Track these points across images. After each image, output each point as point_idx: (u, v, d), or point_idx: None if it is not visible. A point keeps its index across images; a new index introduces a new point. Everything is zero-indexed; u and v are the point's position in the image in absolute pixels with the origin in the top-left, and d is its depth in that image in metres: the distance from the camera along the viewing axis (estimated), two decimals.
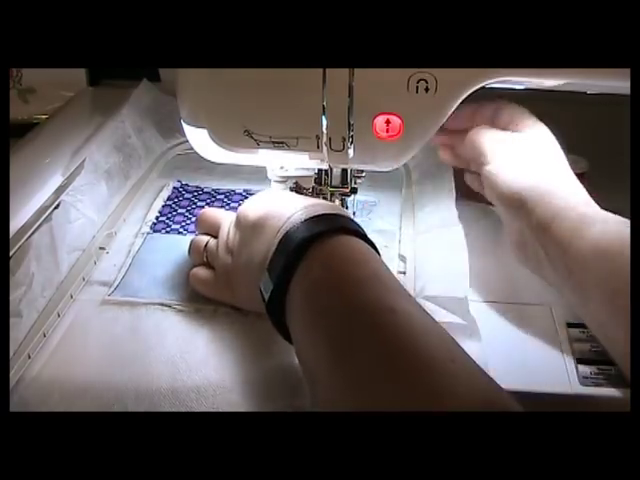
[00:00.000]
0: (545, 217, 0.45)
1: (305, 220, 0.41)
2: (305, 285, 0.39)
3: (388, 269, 0.39)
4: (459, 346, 0.34)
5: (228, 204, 0.62)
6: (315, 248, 0.39)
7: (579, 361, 0.45)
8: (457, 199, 0.56)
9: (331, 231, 0.40)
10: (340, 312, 0.36)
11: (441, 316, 0.46)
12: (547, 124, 0.52)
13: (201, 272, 0.50)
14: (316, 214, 0.42)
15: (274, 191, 0.49)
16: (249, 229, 0.45)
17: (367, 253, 0.40)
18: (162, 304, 0.50)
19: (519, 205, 0.47)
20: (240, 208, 0.47)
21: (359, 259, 0.39)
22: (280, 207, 0.44)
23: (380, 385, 0.31)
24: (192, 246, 0.52)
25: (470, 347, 0.42)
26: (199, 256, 0.51)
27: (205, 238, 0.51)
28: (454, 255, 0.50)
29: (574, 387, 0.43)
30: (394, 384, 0.31)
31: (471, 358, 0.33)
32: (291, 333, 0.40)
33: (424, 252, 0.54)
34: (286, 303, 0.40)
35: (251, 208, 0.46)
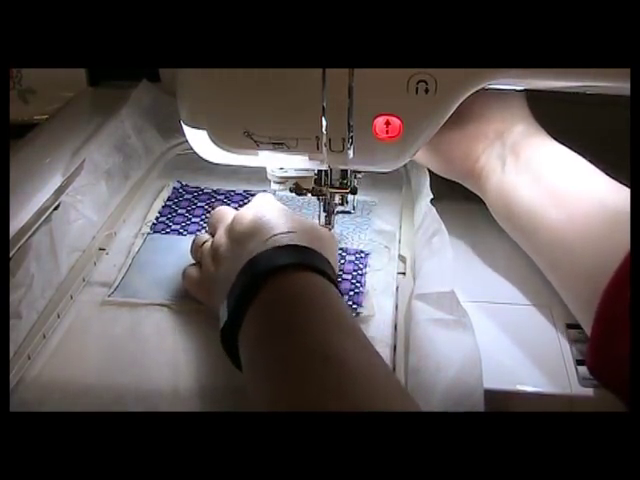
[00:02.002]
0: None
1: (271, 249, 0.42)
2: (253, 324, 0.39)
3: (343, 310, 0.40)
4: (396, 383, 0.35)
5: (228, 205, 0.62)
6: (269, 285, 0.40)
7: (579, 362, 0.45)
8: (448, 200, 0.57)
9: (290, 266, 0.40)
10: (279, 360, 0.36)
11: (431, 313, 0.46)
12: (547, 124, 0.53)
13: (192, 271, 0.50)
14: (283, 243, 0.42)
15: (273, 202, 0.49)
16: (235, 242, 0.45)
17: (322, 294, 0.40)
18: (162, 305, 0.50)
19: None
20: (237, 214, 0.47)
21: (311, 301, 0.39)
22: (264, 224, 0.44)
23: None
24: (192, 244, 0.52)
25: (462, 340, 0.43)
26: (195, 254, 0.51)
27: (205, 237, 0.51)
28: (440, 253, 0.50)
29: (574, 388, 0.43)
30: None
31: (408, 399, 0.34)
32: (242, 362, 0.40)
33: (417, 253, 0.55)
34: (238, 335, 0.40)
35: (243, 218, 0.46)
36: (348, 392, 0.32)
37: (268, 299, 0.39)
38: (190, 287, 0.50)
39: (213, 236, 0.51)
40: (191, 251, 0.52)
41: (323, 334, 0.37)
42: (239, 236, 0.45)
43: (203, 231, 0.58)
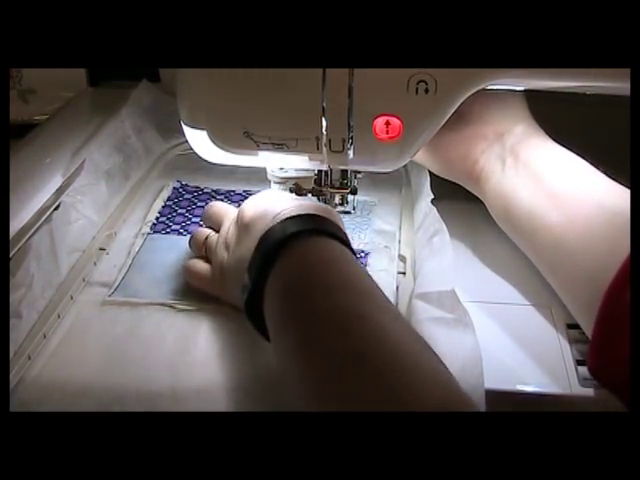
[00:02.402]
0: None
1: (283, 220, 0.42)
2: (277, 288, 0.39)
3: (361, 271, 0.40)
4: (428, 350, 0.35)
5: (228, 204, 0.62)
6: (288, 250, 0.40)
7: (579, 362, 0.45)
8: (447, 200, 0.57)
9: (306, 232, 0.41)
10: (308, 317, 0.36)
11: (432, 312, 0.45)
12: (547, 124, 0.53)
13: (197, 265, 0.50)
14: (294, 214, 0.42)
15: (276, 192, 0.49)
16: (244, 227, 0.45)
17: (340, 256, 0.41)
18: (162, 304, 0.50)
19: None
20: (241, 205, 0.47)
21: (330, 262, 0.40)
22: (270, 206, 0.45)
23: (342, 387, 0.32)
24: (193, 238, 0.52)
25: (462, 339, 0.43)
26: (198, 249, 0.51)
27: (207, 231, 0.51)
28: (440, 253, 0.50)
29: (574, 388, 0.43)
30: (355, 386, 0.32)
31: (439, 362, 0.34)
32: (269, 333, 0.40)
33: (418, 252, 0.55)
34: (263, 304, 0.40)
35: (249, 206, 0.46)
36: (376, 351, 0.33)
37: (286, 266, 0.40)
38: (197, 281, 0.50)
39: (214, 230, 0.51)
40: (190, 246, 0.52)
41: (341, 297, 0.37)
42: (247, 222, 0.45)
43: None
